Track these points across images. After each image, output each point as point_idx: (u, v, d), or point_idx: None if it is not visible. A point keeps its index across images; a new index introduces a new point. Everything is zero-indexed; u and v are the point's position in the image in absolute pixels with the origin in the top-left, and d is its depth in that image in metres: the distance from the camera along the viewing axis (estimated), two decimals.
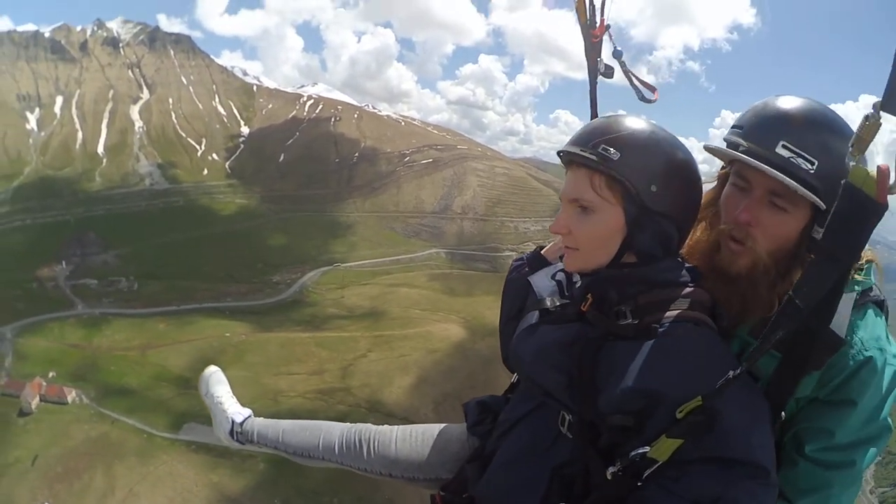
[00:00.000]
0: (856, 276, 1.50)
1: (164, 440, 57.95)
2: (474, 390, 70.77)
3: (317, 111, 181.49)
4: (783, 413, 1.45)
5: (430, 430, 2.04)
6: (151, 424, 59.64)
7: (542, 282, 1.73)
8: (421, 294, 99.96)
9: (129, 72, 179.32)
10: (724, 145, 1.59)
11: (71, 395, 62.45)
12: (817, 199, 1.39)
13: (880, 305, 1.57)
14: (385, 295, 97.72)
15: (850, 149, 1.14)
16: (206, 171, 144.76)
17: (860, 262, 1.52)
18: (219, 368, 2.71)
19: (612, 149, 1.40)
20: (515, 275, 1.91)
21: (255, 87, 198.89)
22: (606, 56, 2.32)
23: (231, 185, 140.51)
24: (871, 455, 1.51)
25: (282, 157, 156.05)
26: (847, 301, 1.43)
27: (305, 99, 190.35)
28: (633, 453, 1.20)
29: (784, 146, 1.43)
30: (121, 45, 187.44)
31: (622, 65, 2.30)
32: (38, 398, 60.47)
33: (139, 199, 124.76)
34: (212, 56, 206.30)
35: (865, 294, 1.54)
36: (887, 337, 1.51)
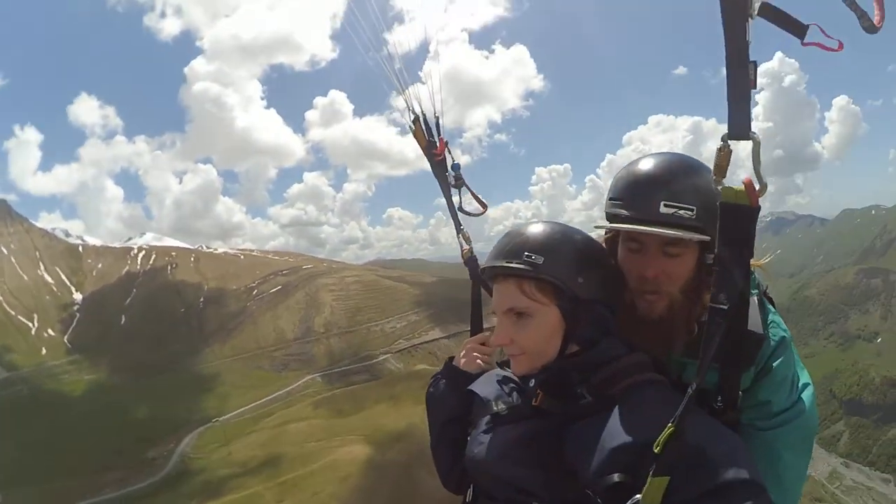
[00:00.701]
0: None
1: None
2: (405, 500, 69.41)
3: (150, 262, 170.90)
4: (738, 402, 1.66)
5: None
6: None
7: (484, 388, 1.78)
8: (311, 425, 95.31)
9: None
10: (604, 215, 1.86)
11: None
12: (704, 237, 1.64)
13: (769, 298, 1.91)
14: (275, 438, 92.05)
15: (714, 177, 1.35)
16: (44, 351, 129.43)
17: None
18: None
19: (535, 254, 1.51)
20: (433, 390, 2.01)
21: (80, 248, 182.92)
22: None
23: (74, 362, 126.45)
24: (803, 420, 1.78)
25: (123, 320, 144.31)
26: (753, 303, 1.69)
27: (136, 251, 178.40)
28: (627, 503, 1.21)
29: (665, 205, 1.66)
30: None
31: (458, 177, 2.57)
32: None
33: None
34: (30, 220, 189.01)
35: (760, 292, 1.84)
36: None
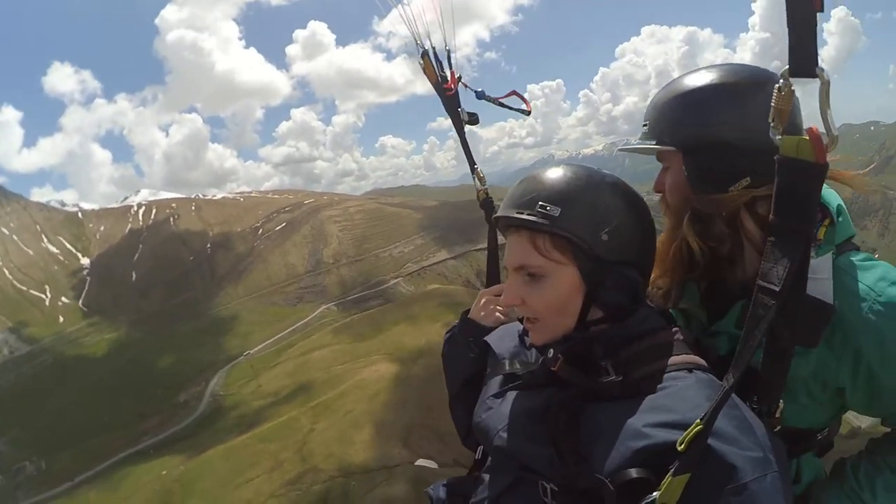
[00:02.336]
0: (820, 233, 1.49)
1: None
2: (432, 412, 70.16)
3: (152, 216, 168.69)
4: (780, 402, 1.36)
5: None
6: None
7: (501, 342, 1.60)
8: (334, 350, 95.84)
9: None
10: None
11: None
12: (659, 147, 1.60)
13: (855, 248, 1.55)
14: (301, 366, 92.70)
15: (772, 123, 1.12)
16: (61, 319, 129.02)
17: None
18: None
19: (550, 205, 1.29)
20: (449, 347, 1.82)
21: (79, 214, 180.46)
22: (467, 101, 2.42)
23: (92, 324, 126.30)
24: None
25: (134, 276, 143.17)
26: (823, 264, 1.34)
27: (135, 208, 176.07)
28: (642, 502, 1.07)
29: (644, 124, 1.66)
30: None
31: (490, 100, 2.39)
32: None
33: (5, 374, 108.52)
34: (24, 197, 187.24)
35: (842, 247, 1.51)
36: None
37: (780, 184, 1.13)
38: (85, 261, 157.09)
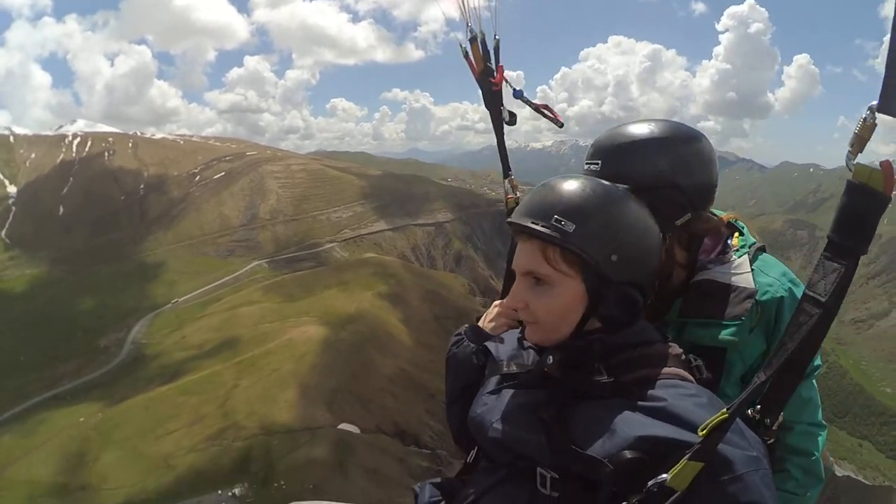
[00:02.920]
0: (734, 240, 1.83)
1: None
2: (358, 378, 71.29)
3: (86, 149, 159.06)
4: (780, 416, 1.53)
5: None
6: None
7: (500, 346, 1.67)
8: (263, 308, 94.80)
9: None
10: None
11: None
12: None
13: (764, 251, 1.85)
14: (228, 321, 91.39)
15: (850, 148, 1.19)
16: None
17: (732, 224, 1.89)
18: None
19: (565, 220, 1.31)
20: (456, 350, 1.85)
21: (10, 138, 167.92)
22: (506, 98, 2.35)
23: (13, 257, 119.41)
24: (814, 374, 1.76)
25: (61, 210, 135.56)
26: (744, 261, 1.73)
27: (70, 138, 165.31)
28: (651, 482, 1.10)
29: (588, 162, 1.80)
30: None
31: (527, 102, 2.31)
32: None
33: None
34: None
35: (753, 251, 1.81)
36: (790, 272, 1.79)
37: (845, 204, 1.19)
38: (12, 189, 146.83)
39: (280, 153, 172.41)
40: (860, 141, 1.19)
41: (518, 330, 1.67)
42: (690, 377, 1.33)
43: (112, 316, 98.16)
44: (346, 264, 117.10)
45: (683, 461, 1.06)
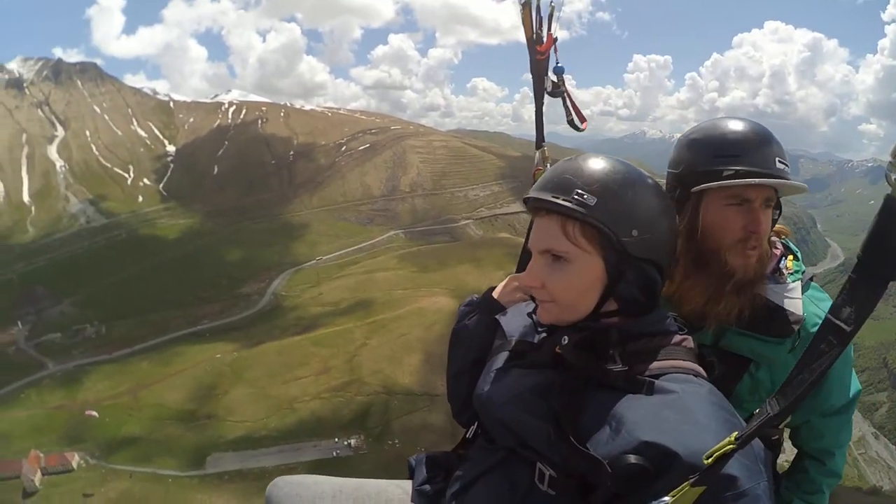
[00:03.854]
0: (789, 263, 1.72)
1: (191, 480, 50.05)
2: None
3: (241, 116, 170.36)
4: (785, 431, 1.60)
5: (364, 488, 1.75)
6: (172, 467, 51.47)
7: (511, 321, 1.57)
8: (397, 275, 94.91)
9: (39, 111, 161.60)
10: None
11: (74, 459, 52.21)
12: (800, 184, 1.62)
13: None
14: (363, 283, 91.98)
15: (892, 160, 1.07)
16: (140, 199, 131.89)
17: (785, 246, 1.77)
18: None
19: (587, 194, 1.26)
20: (465, 322, 1.72)
21: (171, 104, 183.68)
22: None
23: (169, 208, 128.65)
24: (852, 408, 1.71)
25: (216, 170, 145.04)
26: (796, 287, 1.65)
27: (226, 106, 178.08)
28: (651, 503, 1.05)
29: (779, 161, 1.60)
30: (25, 84, 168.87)
31: (561, 83, 2.07)
32: (39, 473, 50.06)
33: (79, 241, 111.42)
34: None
35: (806, 278, 1.72)
36: None
37: (881, 222, 1.07)
38: (171, 148, 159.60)
39: (422, 129, 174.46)
40: None
41: (530, 304, 1.55)
42: (704, 373, 1.27)
43: (256, 268, 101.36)
44: (480, 242, 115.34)
45: (686, 486, 1.03)
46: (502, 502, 1.29)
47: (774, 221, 1.65)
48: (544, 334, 1.42)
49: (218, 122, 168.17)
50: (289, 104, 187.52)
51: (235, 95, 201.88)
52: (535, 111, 2.10)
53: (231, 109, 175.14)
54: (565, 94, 2.03)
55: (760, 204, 1.59)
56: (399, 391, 62.12)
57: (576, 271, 1.27)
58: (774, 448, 1.58)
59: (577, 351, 1.27)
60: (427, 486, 1.56)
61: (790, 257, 1.71)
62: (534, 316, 1.46)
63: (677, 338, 1.30)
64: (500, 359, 1.45)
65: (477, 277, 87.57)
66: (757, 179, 1.54)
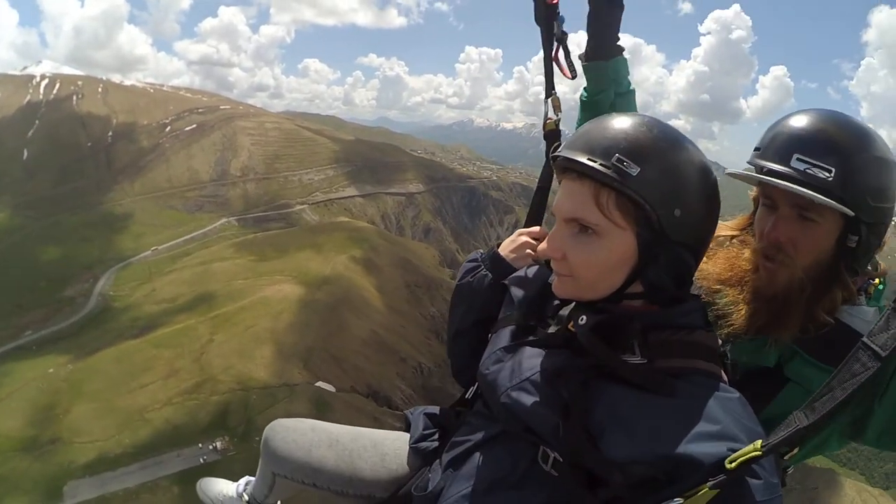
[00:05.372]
0: (876, 286, 1.50)
1: None
2: (333, 338, 69.21)
3: (54, 91, 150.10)
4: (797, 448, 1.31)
5: (360, 439, 1.73)
6: None
7: (522, 288, 1.46)
8: (236, 265, 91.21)
9: None
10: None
11: None
12: (840, 206, 1.32)
13: None
14: (200, 276, 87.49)
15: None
16: None
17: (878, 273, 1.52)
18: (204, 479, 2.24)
19: (629, 161, 1.12)
20: (470, 279, 1.63)
21: None
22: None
23: None
24: None
25: (25, 154, 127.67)
26: (871, 311, 1.42)
27: (38, 79, 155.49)
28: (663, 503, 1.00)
29: (798, 159, 1.36)
30: None
31: (564, 33, 2.02)
32: None
33: None
34: None
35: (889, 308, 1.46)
36: None
37: None
38: None
39: (253, 110, 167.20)
40: None
41: (544, 271, 1.45)
42: (721, 374, 1.17)
43: (76, 266, 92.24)
44: (319, 227, 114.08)
45: (704, 488, 0.98)
46: (502, 475, 1.23)
47: (847, 247, 1.38)
48: (558, 307, 1.30)
49: (28, 98, 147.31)
50: (105, 78, 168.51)
51: (47, 68, 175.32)
52: (545, 60, 2.05)
53: (44, 83, 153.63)
54: (566, 46, 2.00)
55: (790, 211, 1.41)
56: (255, 386, 60.67)
57: (603, 247, 1.15)
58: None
59: (594, 335, 1.16)
60: (423, 444, 1.56)
61: (876, 281, 1.50)
62: (549, 283, 1.32)
63: (703, 334, 1.20)
64: (507, 333, 1.38)
65: (320, 263, 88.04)
66: (757, 176, 1.40)
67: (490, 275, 1.57)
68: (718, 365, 1.18)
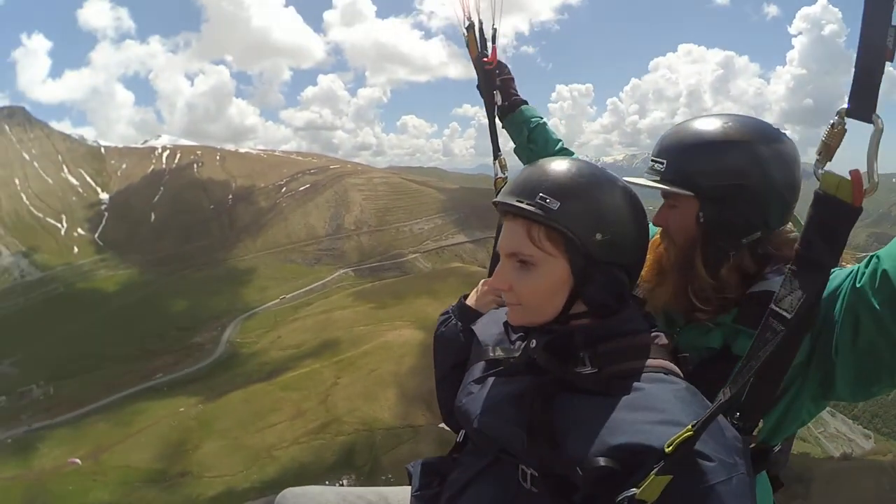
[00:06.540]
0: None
1: None
2: None
3: (176, 161, 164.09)
4: (760, 422, 1.33)
5: (367, 496, 1.79)
6: None
7: (486, 329, 1.58)
8: (356, 312, 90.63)
9: None
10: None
11: None
12: (677, 189, 1.47)
13: None
14: (322, 323, 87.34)
15: (818, 157, 1.11)
16: (75, 249, 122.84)
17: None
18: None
19: (550, 197, 1.25)
20: (444, 329, 1.76)
21: (102, 150, 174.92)
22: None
23: (106, 259, 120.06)
24: None
25: (152, 217, 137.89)
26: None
27: (160, 151, 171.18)
28: (620, 497, 1.05)
29: (652, 159, 1.56)
30: None
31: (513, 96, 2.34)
32: None
33: (14, 297, 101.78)
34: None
35: None
36: None
37: (813, 217, 1.13)
38: (104, 196, 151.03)
39: (360, 167, 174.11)
40: (828, 148, 1.12)
41: (503, 313, 1.55)
42: (677, 370, 1.25)
43: (204, 316, 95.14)
44: (433, 273, 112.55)
45: (651, 476, 1.02)
46: (494, 502, 1.29)
47: (722, 225, 1.48)
48: (519, 340, 1.41)
49: (152, 167, 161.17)
50: (221, 147, 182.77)
51: (167, 140, 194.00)
52: (489, 123, 2.21)
53: (164, 154, 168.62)
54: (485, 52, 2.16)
55: (666, 202, 1.58)
56: (380, 427, 58.97)
57: (542, 274, 1.26)
58: (763, 455, 1.47)
59: (547, 354, 1.26)
60: (424, 492, 1.55)
61: None
62: (509, 327, 1.46)
63: (647, 336, 1.29)
64: (477, 369, 1.46)
65: (437, 308, 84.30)
66: (633, 180, 1.52)
67: (459, 323, 1.69)
68: (670, 360, 1.26)
